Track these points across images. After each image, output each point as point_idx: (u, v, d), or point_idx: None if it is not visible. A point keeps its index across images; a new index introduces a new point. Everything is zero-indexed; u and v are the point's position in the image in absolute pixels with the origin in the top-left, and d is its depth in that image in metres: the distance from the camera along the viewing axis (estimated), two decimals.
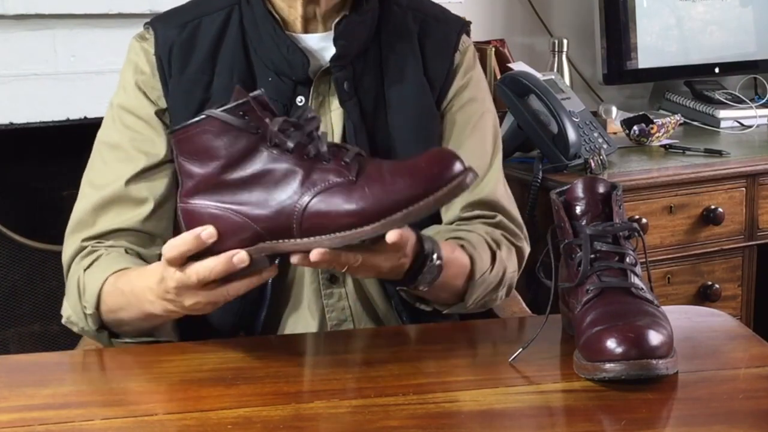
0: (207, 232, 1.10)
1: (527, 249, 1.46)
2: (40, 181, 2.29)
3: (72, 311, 1.33)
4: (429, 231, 1.39)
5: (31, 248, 2.24)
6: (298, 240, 1.09)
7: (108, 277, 1.28)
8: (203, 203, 1.12)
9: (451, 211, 1.41)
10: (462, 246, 1.33)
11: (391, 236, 1.08)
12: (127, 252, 1.34)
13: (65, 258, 1.38)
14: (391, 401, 1.07)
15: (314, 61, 1.37)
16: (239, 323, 1.37)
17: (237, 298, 1.17)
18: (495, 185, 1.44)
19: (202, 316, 1.33)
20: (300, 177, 1.09)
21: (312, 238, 1.08)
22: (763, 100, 2.80)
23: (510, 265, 1.40)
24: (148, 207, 1.36)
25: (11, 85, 2.11)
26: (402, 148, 1.38)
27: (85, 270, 1.32)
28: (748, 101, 2.73)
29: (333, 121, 1.39)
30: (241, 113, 1.11)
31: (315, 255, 1.07)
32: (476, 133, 1.44)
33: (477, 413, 1.06)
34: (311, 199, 1.08)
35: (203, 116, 1.11)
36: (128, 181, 1.36)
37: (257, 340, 1.29)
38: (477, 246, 1.34)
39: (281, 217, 1.09)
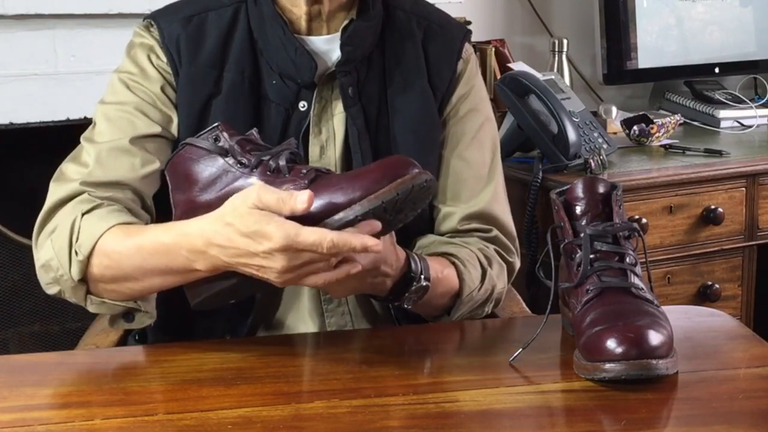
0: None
1: (518, 264, 1.47)
2: (40, 181, 2.28)
3: (55, 254, 1.24)
4: (423, 240, 1.40)
5: (31, 248, 2.24)
6: None
7: (114, 226, 1.21)
8: None
9: (448, 223, 1.41)
10: (453, 263, 1.33)
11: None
12: (127, 209, 1.27)
13: (54, 198, 1.28)
14: (391, 401, 1.07)
15: (320, 63, 1.36)
16: (228, 327, 1.36)
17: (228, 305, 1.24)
18: (492, 198, 1.44)
19: (192, 320, 1.34)
20: None
21: None
22: (763, 100, 2.80)
23: (500, 282, 1.41)
24: (155, 165, 1.31)
25: (11, 85, 2.10)
26: (404, 155, 1.37)
27: (83, 214, 1.24)
28: (748, 101, 2.73)
29: (335, 125, 1.38)
30: (213, 138, 1.20)
31: None
32: (475, 144, 1.44)
33: (477, 413, 1.06)
34: None
35: (183, 145, 1.22)
36: (139, 138, 1.31)
37: (257, 340, 1.30)
38: (468, 263, 1.35)
39: None
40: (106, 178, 1.29)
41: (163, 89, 1.35)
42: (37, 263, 1.27)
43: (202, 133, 1.22)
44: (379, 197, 1.11)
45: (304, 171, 1.16)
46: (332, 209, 1.11)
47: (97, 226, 1.21)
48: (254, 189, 1.10)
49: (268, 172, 1.17)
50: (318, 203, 1.11)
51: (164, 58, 1.36)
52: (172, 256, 1.16)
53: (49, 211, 1.28)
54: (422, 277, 1.24)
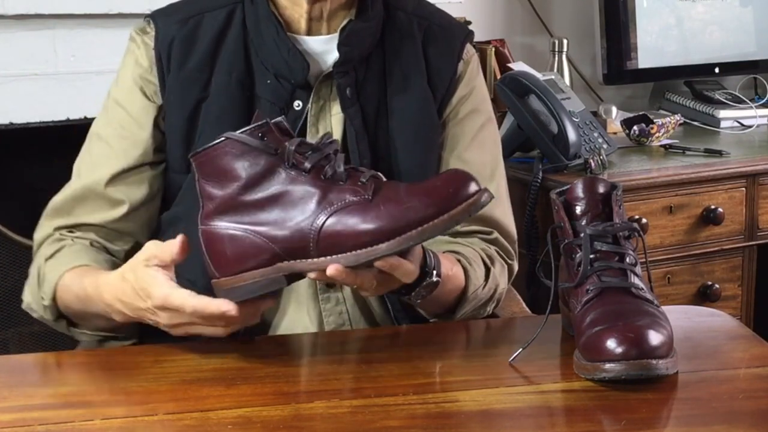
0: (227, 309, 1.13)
1: (516, 267, 1.47)
2: (40, 181, 2.27)
3: (32, 299, 1.36)
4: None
5: (31, 248, 2.24)
6: (316, 259, 1.11)
7: (65, 273, 1.30)
8: (223, 224, 1.14)
9: None
10: (458, 260, 1.33)
11: (380, 264, 1.10)
12: (92, 245, 1.36)
13: (36, 239, 1.40)
14: (391, 401, 1.07)
15: (315, 65, 1.37)
16: None
17: None
18: (494, 200, 1.43)
19: None
20: (317, 197, 1.11)
21: (329, 257, 1.10)
22: (763, 100, 2.80)
23: (502, 282, 1.41)
24: (121, 210, 1.37)
25: (11, 85, 2.10)
26: (403, 156, 1.38)
27: (46, 260, 1.34)
28: (748, 101, 2.73)
29: (333, 126, 1.38)
30: (260, 135, 1.13)
31: (331, 270, 1.09)
32: (476, 145, 1.44)
33: (477, 413, 1.06)
34: (327, 219, 1.10)
35: (222, 138, 1.14)
36: (107, 181, 1.37)
37: (257, 340, 1.29)
38: (473, 261, 1.35)
39: (298, 236, 1.11)
40: (78, 221, 1.38)
41: (144, 109, 1.38)
42: (23, 304, 1.39)
43: (247, 128, 1.14)
44: (454, 218, 1.09)
45: (363, 180, 1.12)
46: (405, 226, 1.08)
47: (55, 273, 1.31)
48: (148, 245, 1.17)
49: (323, 177, 1.12)
50: (390, 220, 1.08)
51: (148, 66, 1.38)
52: (97, 305, 1.25)
53: (35, 249, 1.40)
54: (434, 272, 1.23)
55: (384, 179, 1.15)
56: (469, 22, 2.34)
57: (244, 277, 1.13)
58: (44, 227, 1.40)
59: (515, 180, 2.18)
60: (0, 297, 2.27)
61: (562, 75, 2.59)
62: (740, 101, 2.72)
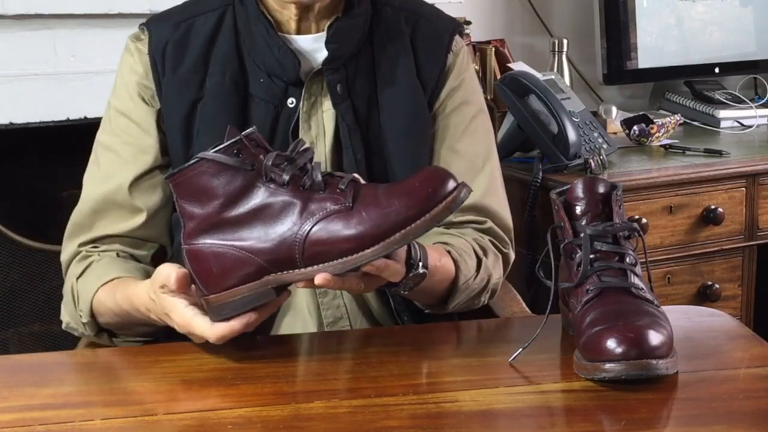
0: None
1: (512, 256, 1.47)
2: (40, 181, 2.29)
3: (70, 318, 1.39)
4: None
5: (31, 248, 2.24)
6: (302, 269, 1.12)
7: (98, 289, 1.32)
8: (206, 242, 1.14)
9: None
10: (448, 251, 1.34)
11: (367, 268, 1.12)
12: (119, 255, 1.38)
13: (63, 260, 1.42)
14: (391, 401, 1.07)
15: (306, 62, 1.38)
16: None
17: None
18: (486, 189, 1.44)
19: None
20: (298, 208, 1.12)
21: (315, 266, 1.11)
22: (763, 100, 2.80)
23: (495, 272, 1.41)
24: (141, 218, 1.38)
25: (11, 85, 2.10)
26: (395, 150, 1.38)
27: (77, 278, 1.36)
28: (748, 101, 2.73)
29: (325, 122, 1.39)
30: (234, 152, 1.13)
31: (319, 279, 1.10)
32: (467, 136, 1.45)
33: (477, 413, 1.06)
34: (311, 229, 1.11)
35: (197, 159, 1.14)
36: (121, 189, 1.38)
37: (257, 340, 1.29)
38: (463, 252, 1.36)
39: (283, 248, 1.11)
40: (100, 234, 1.39)
41: (146, 115, 1.39)
42: (62, 325, 1.41)
43: (221, 146, 1.14)
44: (435, 217, 1.10)
45: (342, 186, 1.12)
46: (387, 230, 1.09)
47: (89, 290, 1.33)
48: (159, 269, 1.18)
49: (301, 188, 1.13)
50: (373, 225, 1.09)
51: (143, 72, 1.39)
52: (135, 316, 1.27)
53: (64, 270, 1.42)
54: (420, 264, 1.23)
55: (362, 182, 1.16)
56: (469, 22, 2.34)
57: (233, 293, 1.13)
58: (68, 247, 1.41)
59: (515, 180, 2.18)
60: (0, 297, 2.27)
61: (562, 75, 2.59)
62: (740, 101, 2.72)
